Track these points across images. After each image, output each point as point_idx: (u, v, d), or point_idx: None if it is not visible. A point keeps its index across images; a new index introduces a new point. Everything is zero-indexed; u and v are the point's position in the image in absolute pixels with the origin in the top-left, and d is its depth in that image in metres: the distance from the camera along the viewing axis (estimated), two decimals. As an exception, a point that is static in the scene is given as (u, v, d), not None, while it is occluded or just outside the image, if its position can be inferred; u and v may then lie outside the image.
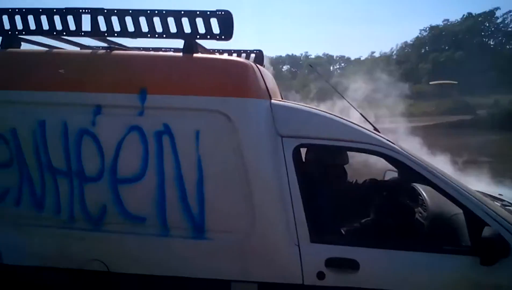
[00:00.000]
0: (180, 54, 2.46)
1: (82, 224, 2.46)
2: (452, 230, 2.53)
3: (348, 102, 3.37)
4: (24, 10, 2.49)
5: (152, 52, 2.76)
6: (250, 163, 2.34)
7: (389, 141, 2.51)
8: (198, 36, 2.43)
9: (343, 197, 2.77)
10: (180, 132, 2.38)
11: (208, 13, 2.36)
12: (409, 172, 2.47)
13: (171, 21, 2.43)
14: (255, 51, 3.70)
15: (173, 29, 2.46)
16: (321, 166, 2.84)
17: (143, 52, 2.84)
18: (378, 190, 2.91)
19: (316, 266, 2.33)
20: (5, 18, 2.51)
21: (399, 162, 2.47)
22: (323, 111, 2.60)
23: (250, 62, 2.59)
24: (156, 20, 2.43)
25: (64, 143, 2.43)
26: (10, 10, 2.50)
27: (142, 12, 2.42)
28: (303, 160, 3.05)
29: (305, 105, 2.67)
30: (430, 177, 2.40)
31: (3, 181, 2.51)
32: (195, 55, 2.45)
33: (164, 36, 2.46)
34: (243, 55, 3.62)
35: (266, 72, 2.89)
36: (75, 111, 2.43)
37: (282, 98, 3.05)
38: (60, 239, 2.47)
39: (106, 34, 2.56)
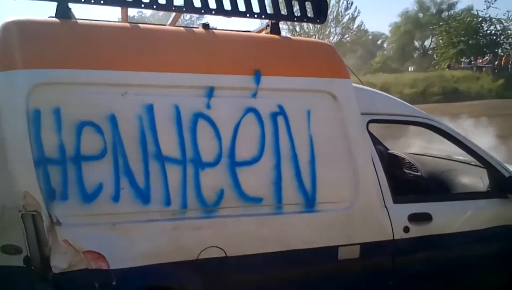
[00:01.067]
0: (282, 36, 2.52)
1: (196, 212, 2.32)
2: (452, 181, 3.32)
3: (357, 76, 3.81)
4: None
5: (263, 34, 2.66)
6: (354, 137, 2.58)
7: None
8: (286, 17, 2.53)
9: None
10: (293, 112, 2.46)
11: None
12: (450, 140, 3.07)
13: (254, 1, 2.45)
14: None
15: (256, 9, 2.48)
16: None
17: (254, 33, 2.72)
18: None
19: (402, 222, 2.76)
20: None
21: (442, 132, 3.04)
22: (379, 91, 3.00)
23: None
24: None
25: (177, 129, 2.24)
26: None
27: None
28: None
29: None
30: (465, 142, 3.05)
31: (93, 176, 2.16)
32: (293, 37, 2.56)
33: (248, 15, 2.46)
34: None
35: None
36: (187, 93, 2.25)
37: None
38: (172, 232, 2.28)
39: (184, 10, 2.41)
